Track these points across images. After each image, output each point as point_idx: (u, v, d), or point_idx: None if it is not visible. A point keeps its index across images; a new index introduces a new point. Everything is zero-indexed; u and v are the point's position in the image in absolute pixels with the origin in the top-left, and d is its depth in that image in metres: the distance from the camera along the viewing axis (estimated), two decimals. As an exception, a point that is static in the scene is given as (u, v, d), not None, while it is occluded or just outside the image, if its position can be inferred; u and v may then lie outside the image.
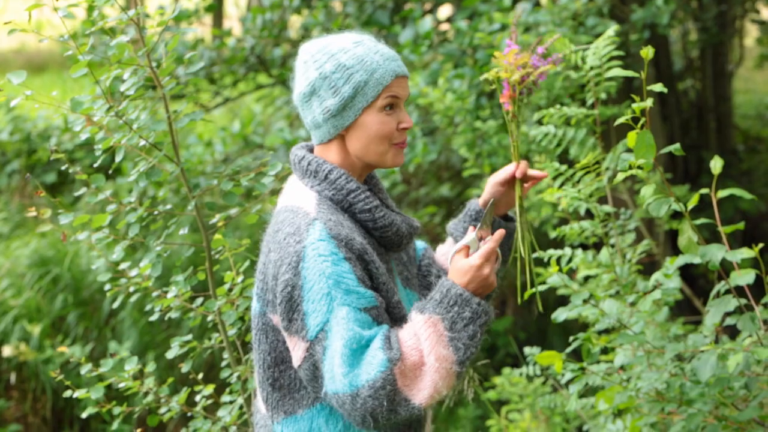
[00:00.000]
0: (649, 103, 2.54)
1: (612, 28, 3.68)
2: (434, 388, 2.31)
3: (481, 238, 2.50)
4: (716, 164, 2.75)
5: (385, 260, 2.55)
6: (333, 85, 2.47)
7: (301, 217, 2.43)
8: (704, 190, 2.72)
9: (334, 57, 2.48)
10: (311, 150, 2.62)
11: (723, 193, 2.70)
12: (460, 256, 2.47)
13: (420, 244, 2.88)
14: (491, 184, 2.77)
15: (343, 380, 2.29)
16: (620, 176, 2.67)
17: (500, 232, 2.45)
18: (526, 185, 2.77)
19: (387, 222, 2.50)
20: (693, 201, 2.66)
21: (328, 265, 2.34)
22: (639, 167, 2.60)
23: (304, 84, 2.53)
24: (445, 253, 2.86)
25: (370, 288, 2.40)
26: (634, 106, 2.56)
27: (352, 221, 2.49)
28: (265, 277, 2.47)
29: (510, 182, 2.76)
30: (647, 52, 2.58)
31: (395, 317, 2.45)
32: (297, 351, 2.40)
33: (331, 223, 2.40)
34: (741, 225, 2.80)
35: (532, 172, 2.74)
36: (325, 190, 2.50)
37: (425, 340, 2.33)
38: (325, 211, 2.45)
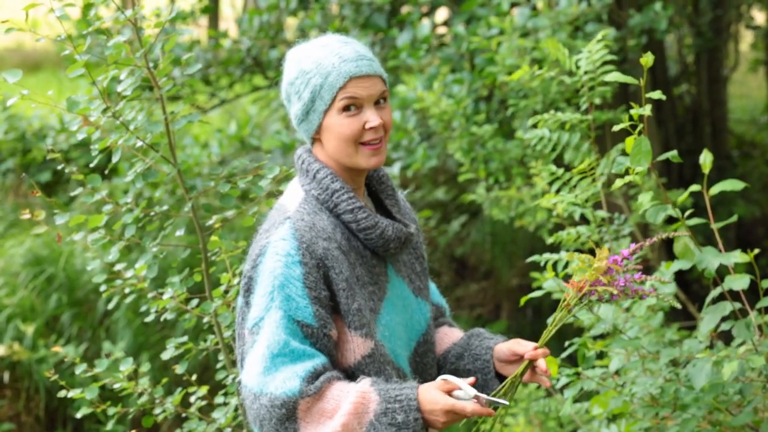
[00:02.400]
0: (647, 110, 2.54)
1: (602, 33, 3.68)
2: None
3: (476, 398, 2.38)
4: (706, 159, 2.75)
5: (372, 264, 2.53)
6: (297, 91, 2.48)
7: (280, 214, 2.48)
8: (695, 187, 2.70)
9: (298, 62, 2.49)
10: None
11: (715, 190, 2.70)
12: (445, 388, 2.36)
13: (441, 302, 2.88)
14: (509, 345, 2.64)
15: (255, 378, 2.33)
16: (618, 182, 2.66)
17: (488, 412, 2.37)
18: (525, 377, 2.58)
19: (370, 224, 2.48)
20: (683, 198, 2.66)
21: (280, 265, 2.37)
22: (635, 173, 2.60)
23: (282, 90, 2.57)
24: (444, 340, 2.79)
25: (325, 294, 2.39)
26: (632, 112, 2.56)
27: (336, 221, 2.49)
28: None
29: (520, 355, 2.60)
30: (647, 60, 2.57)
31: (354, 326, 2.43)
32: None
33: (302, 224, 2.42)
34: (734, 218, 2.80)
35: (541, 366, 2.53)
36: (313, 189, 2.51)
37: (348, 403, 2.30)
38: (305, 210, 2.46)
